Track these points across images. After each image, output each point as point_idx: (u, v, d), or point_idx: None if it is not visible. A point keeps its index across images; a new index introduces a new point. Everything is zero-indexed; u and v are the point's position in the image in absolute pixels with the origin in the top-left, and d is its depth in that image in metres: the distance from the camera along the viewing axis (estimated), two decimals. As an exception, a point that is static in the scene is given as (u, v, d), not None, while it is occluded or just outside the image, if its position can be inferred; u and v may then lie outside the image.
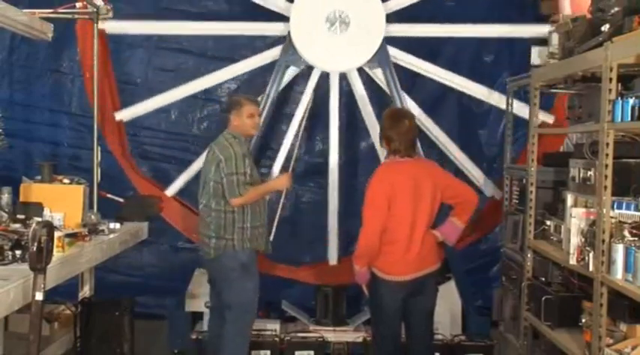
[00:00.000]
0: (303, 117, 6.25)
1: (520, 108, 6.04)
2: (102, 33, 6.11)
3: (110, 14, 5.81)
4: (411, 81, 6.48)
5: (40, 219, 4.21)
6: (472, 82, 6.33)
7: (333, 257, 6.29)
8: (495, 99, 6.32)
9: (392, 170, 4.40)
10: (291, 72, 6.32)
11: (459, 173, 6.32)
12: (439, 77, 6.34)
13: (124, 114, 6.42)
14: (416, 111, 6.18)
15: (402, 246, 4.33)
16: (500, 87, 6.67)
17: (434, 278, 4.51)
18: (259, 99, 5.95)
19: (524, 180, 5.25)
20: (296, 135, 6.23)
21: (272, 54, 6.32)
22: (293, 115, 6.41)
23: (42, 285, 3.44)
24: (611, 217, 3.67)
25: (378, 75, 6.28)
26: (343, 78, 6.33)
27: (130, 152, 6.70)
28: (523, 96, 6.18)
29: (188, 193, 6.36)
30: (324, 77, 6.28)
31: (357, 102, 6.37)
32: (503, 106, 6.14)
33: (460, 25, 6.29)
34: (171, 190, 6.48)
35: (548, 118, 6.15)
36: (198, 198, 4.93)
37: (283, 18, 6.22)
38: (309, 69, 6.28)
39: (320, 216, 6.63)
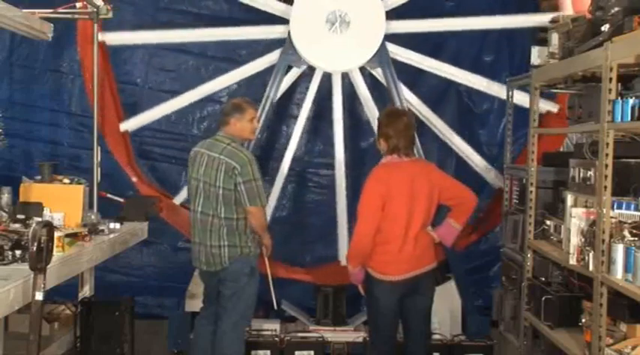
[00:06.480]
0: (307, 118, 6.26)
1: (523, 99, 5.94)
2: (102, 45, 6.11)
3: (110, 14, 5.80)
4: (410, 83, 6.47)
5: (40, 219, 4.21)
6: (472, 74, 6.30)
7: (343, 255, 6.25)
8: (495, 90, 6.26)
9: (389, 170, 4.38)
10: (294, 73, 6.28)
11: (462, 164, 6.36)
12: (440, 71, 6.31)
13: (129, 125, 6.38)
14: (419, 106, 6.24)
15: (396, 246, 4.32)
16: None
17: (430, 277, 4.50)
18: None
19: (524, 180, 5.25)
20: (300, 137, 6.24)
21: (274, 57, 6.24)
22: (293, 116, 6.40)
23: (42, 285, 3.44)
24: (611, 217, 3.67)
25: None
26: (328, 78, 6.29)
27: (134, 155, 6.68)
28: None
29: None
30: (324, 77, 6.27)
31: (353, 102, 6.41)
32: (504, 96, 6.09)
33: (462, 18, 6.22)
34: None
35: (553, 107, 6.07)
36: (194, 206, 4.73)
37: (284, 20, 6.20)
38: (311, 70, 6.26)
39: (321, 215, 6.63)
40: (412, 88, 6.46)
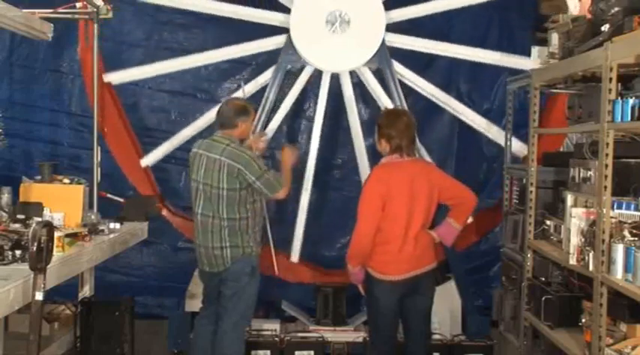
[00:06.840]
0: (323, 119, 6.26)
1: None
2: (109, 86, 6.21)
3: (110, 14, 5.79)
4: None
5: (40, 219, 4.21)
6: (482, 50, 6.29)
7: None
8: (513, 61, 6.19)
9: (389, 170, 4.38)
10: (305, 75, 6.24)
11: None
12: (449, 52, 6.33)
13: (149, 160, 6.41)
14: (428, 88, 6.31)
15: (396, 246, 4.32)
16: (500, 87, 6.70)
17: (430, 277, 4.50)
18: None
19: (524, 180, 5.26)
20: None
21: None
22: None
23: (42, 285, 3.44)
24: (611, 217, 3.67)
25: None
26: (335, 78, 6.28)
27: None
28: (523, 95, 6.18)
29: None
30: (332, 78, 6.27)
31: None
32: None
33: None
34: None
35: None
36: (195, 208, 4.74)
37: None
38: (319, 72, 6.23)
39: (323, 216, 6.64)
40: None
